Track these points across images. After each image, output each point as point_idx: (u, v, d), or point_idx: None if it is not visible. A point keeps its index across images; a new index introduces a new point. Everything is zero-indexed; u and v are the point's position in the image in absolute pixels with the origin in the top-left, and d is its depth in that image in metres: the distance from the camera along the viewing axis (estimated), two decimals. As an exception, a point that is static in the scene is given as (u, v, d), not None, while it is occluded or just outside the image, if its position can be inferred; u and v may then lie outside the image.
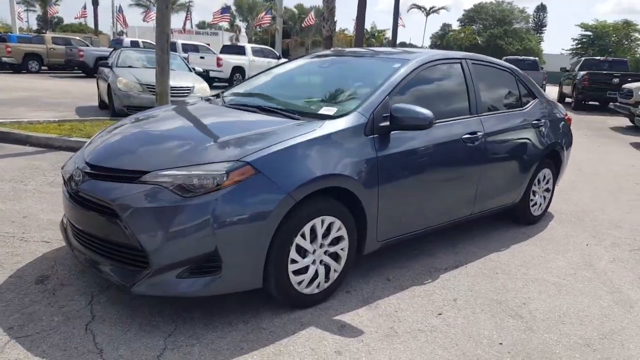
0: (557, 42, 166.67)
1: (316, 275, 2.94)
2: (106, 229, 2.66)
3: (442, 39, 64.33)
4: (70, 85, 17.32)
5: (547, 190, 4.95)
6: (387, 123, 3.17)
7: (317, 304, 3.00)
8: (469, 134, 3.77)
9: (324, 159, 2.86)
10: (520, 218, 4.76)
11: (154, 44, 7.53)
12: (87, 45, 23.10)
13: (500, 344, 2.76)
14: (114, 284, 2.72)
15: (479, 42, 54.74)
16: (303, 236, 2.80)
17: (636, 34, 45.58)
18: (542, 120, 4.65)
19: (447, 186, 3.69)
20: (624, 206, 5.73)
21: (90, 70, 20.25)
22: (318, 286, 2.97)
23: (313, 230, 2.85)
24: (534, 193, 4.75)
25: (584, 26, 47.51)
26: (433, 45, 72.01)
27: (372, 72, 3.70)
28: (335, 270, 3.05)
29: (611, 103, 14.70)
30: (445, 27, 74.01)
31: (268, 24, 32.31)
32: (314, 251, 2.89)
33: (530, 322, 3.01)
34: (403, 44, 24.38)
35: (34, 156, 6.37)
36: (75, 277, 3.17)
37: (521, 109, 4.52)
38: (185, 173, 2.57)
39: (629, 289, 3.56)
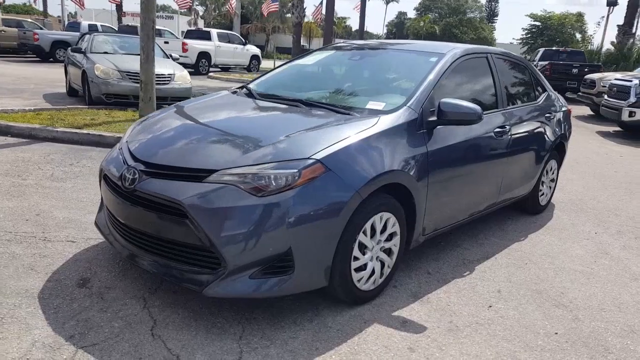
0: (509, 31, 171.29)
1: (373, 271, 2.94)
2: (172, 230, 2.55)
3: (398, 27, 64.86)
4: (27, 70, 16.39)
5: (552, 180, 5.13)
6: (435, 118, 3.18)
7: (372, 300, 3.00)
8: (499, 127, 3.84)
9: (386, 155, 2.84)
10: (529, 208, 4.91)
11: (113, 27, 7.25)
12: (41, 28, 21.85)
13: (556, 333, 2.85)
14: (180, 286, 2.63)
15: (437, 31, 55.60)
16: (365, 233, 2.79)
17: (587, 25, 47.56)
18: (553, 113, 4.80)
19: (480, 179, 3.76)
20: (614, 194, 6.02)
21: (46, 54, 19.21)
22: (374, 282, 2.97)
23: (372, 227, 2.84)
24: (542, 183, 4.91)
25: (533, 16, 49.09)
26: (389, 34, 72.51)
27: (410, 66, 3.71)
28: (388, 266, 3.06)
29: (569, 92, 15.35)
30: (401, 15, 74.68)
31: (275, 10, 31.29)
32: (372, 248, 2.88)
33: (574, 311, 3.13)
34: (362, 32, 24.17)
35: (20, 148, 6.00)
36: (117, 279, 3.03)
37: (535, 102, 4.64)
38: (257, 172, 2.50)
39: (649, 276, 3.75)
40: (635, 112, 9.94)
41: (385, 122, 2.98)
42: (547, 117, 4.68)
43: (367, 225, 2.79)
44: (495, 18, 77.95)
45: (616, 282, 3.61)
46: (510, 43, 59.37)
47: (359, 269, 2.83)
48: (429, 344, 2.63)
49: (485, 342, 2.70)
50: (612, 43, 23.30)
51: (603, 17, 32.76)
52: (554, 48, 22.35)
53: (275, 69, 4.32)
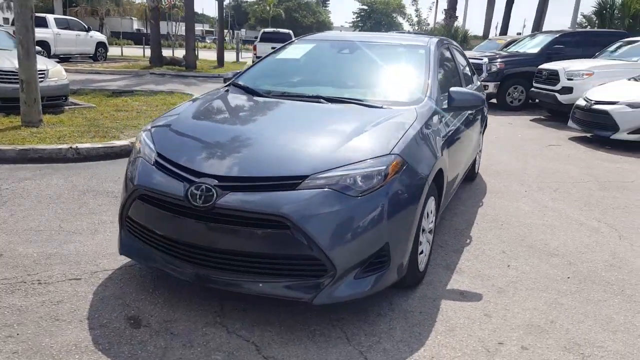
0: (342, 14, 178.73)
1: (423, 252, 3.11)
2: (268, 243, 2.41)
3: (236, 10, 63.49)
4: None
5: (480, 150, 5.82)
6: (446, 105, 3.43)
7: (423, 279, 3.19)
8: None
9: (433, 143, 3.03)
10: (469, 174, 5.50)
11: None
12: None
13: (568, 277, 3.37)
14: (288, 300, 2.52)
15: (282, 15, 55.91)
16: (426, 217, 2.95)
17: (421, 9, 52.25)
18: (482, 91, 5.43)
19: (464, 153, 4.14)
20: (511, 158, 7.02)
21: None
22: (425, 262, 3.15)
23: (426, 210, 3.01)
24: (480, 152, 5.55)
25: (361, 0, 52.58)
26: (228, 17, 70.79)
27: (405, 59, 3.92)
28: (429, 244, 3.26)
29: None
30: None
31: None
32: (424, 230, 3.06)
33: (565, 257, 3.70)
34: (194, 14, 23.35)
35: None
36: (171, 309, 2.74)
37: (474, 83, 5.20)
38: (349, 173, 2.48)
39: (589, 219, 4.55)
40: (487, 86, 11.39)
41: (422, 113, 3.14)
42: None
43: (426, 209, 2.95)
44: (328, 2, 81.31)
45: (570, 228, 4.32)
46: (342, 26, 62.81)
47: (420, 252, 2.99)
48: (495, 308, 2.92)
49: (530, 296, 3.08)
50: (439, 25, 26.23)
51: (434, 2, 36.49)
52: (271, 29, 24.01)
53: (256, 64, 4.14)
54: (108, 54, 21.88)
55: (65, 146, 5.79)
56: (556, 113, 10.75)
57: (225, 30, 54.23)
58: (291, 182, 2.43)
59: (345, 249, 2.40)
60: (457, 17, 23.76)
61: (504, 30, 22.91)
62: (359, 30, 49.17)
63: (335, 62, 4.06)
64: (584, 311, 2.94)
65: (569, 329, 2.74)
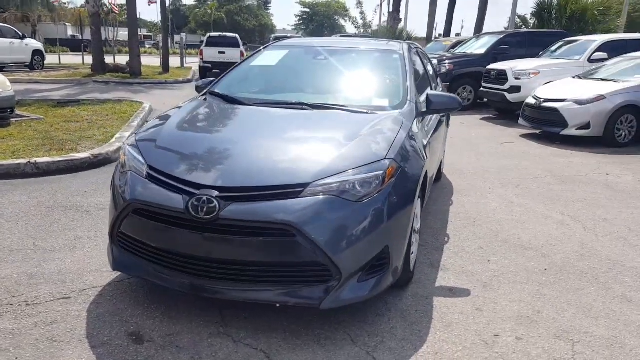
0: (283, 18, 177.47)
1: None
2: (274, 251, 2.44)
3: (174, 14, 62.15)
4: None
5: (444, 150, 6.03)
6: (425, 109, 3.56)
7: (412, 279, 3.29)
8: None
9: (420, 146, 3.14)
10: (438, 175, 5.69)
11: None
12: None
13: (545, 269, 3.57)
14: (294, 305, 2.56)
15: (224, 18, 55.19)
16: (416, 217, 3.05)
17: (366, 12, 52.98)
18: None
19: (437, 154, 4.29)
20: (470, 157, 7.31)
21: None
22: (414, 262, 3.26)
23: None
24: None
25: (302, 3, 52.87)
26: (167, 21, 69.16)
27: (380, 64, 4.01)
28: (416, 243, 3.36)
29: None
30: (176, 1, 71.07)
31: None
32: (414, 231, 3.15)
33: (538, 249, 3.91)
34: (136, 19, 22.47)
35: None
36: (170, 322, 2.70)
37: (437, 83, 5.39)
38: (348, 179, 2.54)
39: (553, 213, 4.82)
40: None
41: (406, 117, 3.25)
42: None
43: (416, 210, 3.05)
44: (269, 4, 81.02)
45: (538, 222, 4.56)
46: (284, 29, 62.80)
47: (412, 252, 3.09)
48: (484, 302, 3.06)
49: (514, 289, 3.25)
50: (383, 27, 26.79)
51: (378, 5, 37.20)
52: (217, 34, 24.16)
53: (230, 71, 4.12)
54: (45, 62, 20.91)
55: (22, 161, 5.54)
56: (504, 111, 11.26)
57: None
58: (293, 190, 2.47)
59: (349, 253, 2.46)
60: (400, 19, 24.40)
61: (447, 32, 23.72)
62: (302, 34, 49.26)
63: (311, 68, 4.11)
64: (565, 300, 3.13)
65: (555, 318, 2.91)
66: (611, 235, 4.26)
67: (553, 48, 11.56)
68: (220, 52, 19.16)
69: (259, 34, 56.49)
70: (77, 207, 4.51)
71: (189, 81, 17.93)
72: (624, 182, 6.02)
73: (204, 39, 20.70)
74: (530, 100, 8.88)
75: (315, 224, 2.39)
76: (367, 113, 3.29)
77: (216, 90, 3.83)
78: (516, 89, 10.25)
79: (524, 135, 9.08)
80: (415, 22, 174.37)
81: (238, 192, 2.47)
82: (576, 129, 8.11)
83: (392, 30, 22.76)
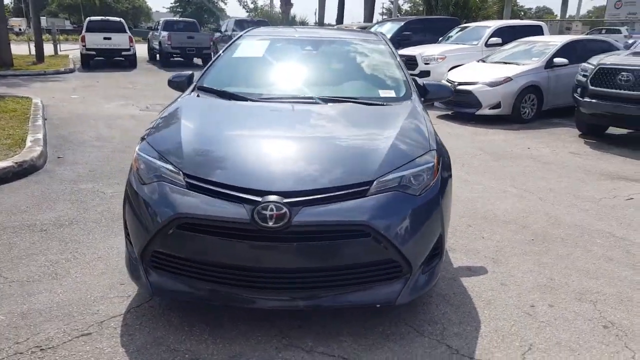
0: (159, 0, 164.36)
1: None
2: (350, 253, 2.38)
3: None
4: None
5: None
6: (423, 98, 3.65)
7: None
8: None
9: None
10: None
11: None
12: None
13: (532, 239, 3.89)
14: (368, 307, 2.56)
15: (96, 1, 50.35)
16: None
17: None
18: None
19: None
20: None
21: None
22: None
23: None
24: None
25: (178, -16, 50.42)
26: (21, 3, 61.94)
27: (371, 55, 3.99)
28: None
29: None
30: None
31: None
32: None
33: (516, 222, 4.24)
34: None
35: None
36: (222, 343, 2.51)
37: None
38: (405, 173, 2.53)
39: (507, 187, 5.24)
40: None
41: (420, 106, 3.31)
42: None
43: None
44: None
45: (501, 197, 4.93)
46: (157, 11, 59.28)
47: None
48: (503, 276, 3.27)
49: (519, 261, 3.50)
50: (270, 10, 26.63)
51: None
52: (174, 18, 23.56)
53: (211, 65, 3.83)
54: None
55: None
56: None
57: (20, 19, 46.73)
58: (360, 189, 2.41)
59: (417, 247, 2.48)
60: (292, 4, 24.48)
61: (339, 19, 24.26)
62: (180, 16, 46.54)
63: (304, 60, 3.97)
64: (564, 265, 3.44)
65: (567, 283, 3.20)
66: (564, 203, 4.74)
67: (451, 34, 12.39)
68: (105, 38, 17.69)
69: (132, 18, 52.65)
70: (29, 226, 3.94)
71: (71, 71, 16.36)
72: (545, 155, 6.71)
73: (85, 23, 18.89)
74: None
75: (387, 221, 2.37)
76: (383, 105, 3.30)
77: (207, 86, 3.56)
78: (426, 74, 10.84)
79: (441, 117, 9.66)
80: (303, 9, 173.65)
81: (305, 196, 2.34)
82: (489, 109, 8.83)
83: (284, 15, 22.72)
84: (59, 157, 5.93)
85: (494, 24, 11.95)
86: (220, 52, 4.04)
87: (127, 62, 18.47)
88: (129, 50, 18.14)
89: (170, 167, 2.55)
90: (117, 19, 19.65)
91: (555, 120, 9.15)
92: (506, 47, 10.27)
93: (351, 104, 3.30)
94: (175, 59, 19.86)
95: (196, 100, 3.38)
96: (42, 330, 2.60)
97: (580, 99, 7.39)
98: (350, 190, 2.40)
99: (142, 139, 2.88)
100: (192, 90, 3.55)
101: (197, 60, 20.19)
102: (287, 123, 3.09)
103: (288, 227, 2.27)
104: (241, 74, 3.82)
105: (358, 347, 2.49)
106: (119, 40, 17.84)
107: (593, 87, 7.15)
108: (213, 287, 2.47)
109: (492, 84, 8.75)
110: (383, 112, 3.20)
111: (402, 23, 13.62)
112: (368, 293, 2.46)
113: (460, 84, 9.03)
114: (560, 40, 9.81)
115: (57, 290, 3.00)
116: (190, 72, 3.96)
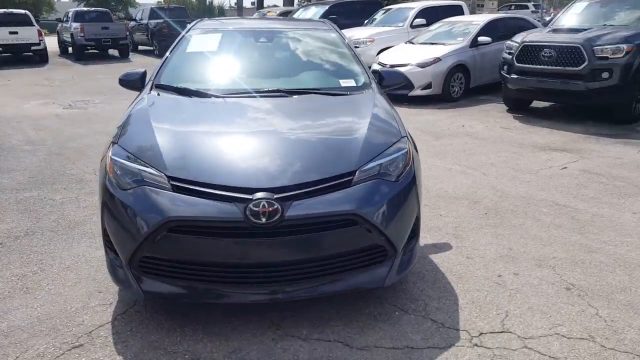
0: None
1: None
2: (339, 242, 2.49)
3: None
4: None
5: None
6: (380, 86, 3.78)
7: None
8: None
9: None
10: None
11: None
12: None
13: (486, 214, 4.18)
14: (358, 290, 2.69)
15: None
16: None
17: None
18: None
19: None
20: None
21: None
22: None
23: None
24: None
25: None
26: None
27: (325, 44, 4.04)
28: None
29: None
30: None
31: None
32: None
33: (468, 198, 4.53)
34: None
35: None
36: (218, 340, 2.54)
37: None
38: (383, 160, 2.65)
39: (451, 165, 5.54)
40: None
41: (382, 94, 3.44)
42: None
43: None
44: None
45: (447, 175, 5.20)
46: (60, 1, 55.30)
47: None
48: (467, 250, 3.50)
49: (477, 234, 3.77)
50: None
51: None
52: (85, 8, 22.19)
53: (165, 62, 3.71)
54: None
55: None
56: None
57: None
58: (344, 179, 2.50)
59: (399, 230, 2.62)
60: (216, -10, 23.84)
61: (260, 4, 23.92)
62: (84, 5, 43.51)
63: (260, 52, 3.96)
64: (520, 235, 3.75)
65: (526, 251, 3.49)
66: (506, 176, 5.11)
67: (376, 17, 12.67)
68: (11, 33, 16.34)
69: (33, 9, 48.65)
70: (-24, 241, 3.70)
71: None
72: (479, 131, 7.13)
73: None
74: (377, 67, 9.69)
75: (372, 209, 2.48)
76: (347, 94, 3.39)
77: (165, 83, 3.47)
78: (357, 57, 11.05)
79: (376, 99, 9.93)
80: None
81: (293, 191, 2.40)
82: (421, 89, 9.18)
83: (201, 1, 22.06)
84: (-10, 164, 5.54)
85: (417, 5, 12.35)
86: (172, 47, 3.93)
87: (38, 57, 17.16)
88: (38, 44, 16.84)
89: (151, 170, 2.51)
90: (22, 11, 18.15)
91: (482, 97, 9.68)
92: (431, 27, 10.68)
93: (315, 95, 3.36)
94: (90, 51, 18.76)
95: (159, 99, 3.30)
96: (30, 347, 2.50)
97: (507, 75, 7.89)
98: (335, 182, 2.49)
99: (113, 143, 2.79)
100: (151, 89, 3.45)
101: (113, 52, 19.21)
102: (259, 118, 3.11)
103: (281, 222, 2.33)
104: (198, 69, 3.76)
105: (351, 331, 2.61)
106: (27, 35, 16.52)
107: (519, 64, 7.65)
108: (207, 287, 2.48)
109: (422, 65, 9.09)
110: (349, 102, 3.30)
111: (327, 7, 13.73)
112: (359, 277, 2.58)
113: (392, 66, 9.30)
114: (482, 19, 10.34)
115: (34, 305, 2.88)
116: (142, 69, 3.84)
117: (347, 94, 3.41)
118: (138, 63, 16.71)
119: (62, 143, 6.53)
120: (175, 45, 3.94)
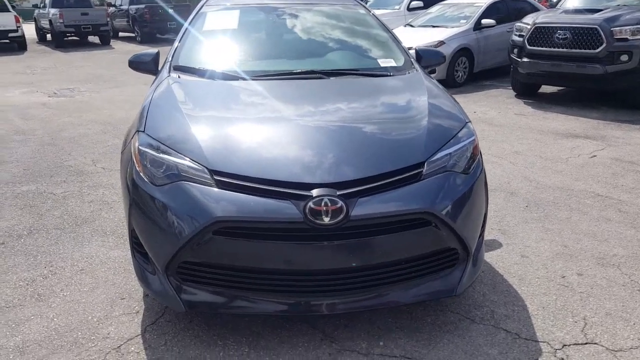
0: None
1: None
2: (408, 246, 2.16)
3: None
4: None
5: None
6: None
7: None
8: None
9: None
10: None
11: None
12: None
13: (527, 206, 3.91)
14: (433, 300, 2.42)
15: None
16: None
17: None
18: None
19: None
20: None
21: None
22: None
23: None
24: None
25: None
26: None
27: (356, 22, 3.67)
28: None
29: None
30: None
31: None
32: None
33: (502, 188, 4.25)
34: None
35: None
36: (268, 356, 2.21)
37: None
38: (451, 150, 2.33)
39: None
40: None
41: (428, 76, 3.12)
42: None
43: None
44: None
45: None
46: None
47: None
48: (520, 248, 3.22)
49: (526, 229, 3.49)
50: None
51: None
52: None
53: (181, 42, 3.30)
54: None
55: None
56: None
57: None
58: (413, 172, 2.18)
59: (472, 229, 2.32)
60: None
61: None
62: None
63: (286, 30, 3.56)
64: (570, 229, 3.47)
65: (581, 248, 3.22)
66: (536, 165, 4.83)
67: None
68: None
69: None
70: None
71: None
72: (494, 117, 6.85)
73: None
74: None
75: (447, 206, 2.16)
76: (390, 75, 3.05)
77: (184, 65, 3.09)
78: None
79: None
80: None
81: (358, 186, 2.07)
82: (427, 74, 8.86)
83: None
84: (-21, 156, 5.08)
85: (414, -13, 12.00)
86: (185, 25, 3.52)
87: (16, 44, 16.32)
88: (16, 31, 15.94)
89: (189, 163, 2.15)
90: None
91: (486, 82, 9.41)
92: (431, 10, 10.32)
93: (356, 77, 3.03)
94: (70, 38, 17.93)
95: (182, 82, 2.91)
96: (48, 355, 2.14)
97: (518, 59, 7.59)
98: (403, 175, 2.16)
99: (138, 131, 2.42)
100: (169, 71, 3.06)
101: (94, 39, 18.45)
102: (300, 103, 2.72)
103: (346, 223, 2.00)
104: (220, 49, 3.35)
105: (417, 344, 2.31)
106: (4, 21, 15.62)
107: (530, 47, 7.36)
108: (260, 297, 2.15)
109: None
110: (397, 84, 2.97)
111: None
112: (432, 285, 2.26)
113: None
114: (484, 1, 10.01)
115: (49, 315, 2.52)
116: (155, 49, 3.45)
117: (389, 75, 3.07)
118: (120, 50, 16.04)
119: (53, 133, 6.07)
120: (190, 24, 3.52)
